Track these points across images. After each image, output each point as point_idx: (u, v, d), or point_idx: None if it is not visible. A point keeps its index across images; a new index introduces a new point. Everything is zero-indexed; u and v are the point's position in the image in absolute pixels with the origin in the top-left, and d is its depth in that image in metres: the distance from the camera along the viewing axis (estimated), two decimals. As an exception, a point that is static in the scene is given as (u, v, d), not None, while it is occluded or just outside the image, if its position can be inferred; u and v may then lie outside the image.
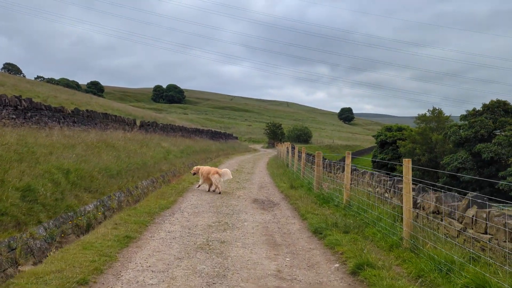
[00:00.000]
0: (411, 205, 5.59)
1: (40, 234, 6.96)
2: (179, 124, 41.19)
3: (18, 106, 13.20)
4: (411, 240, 5.43)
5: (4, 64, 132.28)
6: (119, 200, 10.71)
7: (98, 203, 9.55)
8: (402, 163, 5.61)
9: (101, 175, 10.99)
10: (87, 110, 17.97)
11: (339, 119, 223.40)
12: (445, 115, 61.45)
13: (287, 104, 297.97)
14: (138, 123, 27.17)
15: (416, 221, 5.94)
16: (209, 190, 12.16)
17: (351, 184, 8.93)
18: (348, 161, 8.54)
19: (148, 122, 27.37)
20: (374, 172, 8.63)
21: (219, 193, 11.73)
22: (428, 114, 62.42)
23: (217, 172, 11.94)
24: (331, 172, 12.32)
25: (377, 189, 8.14)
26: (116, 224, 7.08)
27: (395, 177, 7.39)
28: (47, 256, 5.68)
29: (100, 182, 10.52)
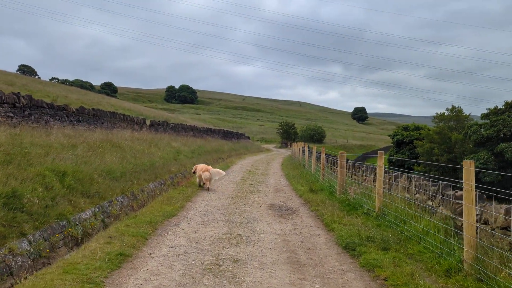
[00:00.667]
0: (474, 219, 4.41)
1: (22, 249, 5.94)
2: (191, 124, 40.24)
3: (16, 104, 12.31)
4: (477, 265, 4.25)
5: (19, 66, 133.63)
6: (122, 205, 9.69)
7: (97, 209, 8.53)
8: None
9: (102, 178, 10.00)
10: (93, 109, 17.06)
11: (352, 119, 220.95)
12: (465, 113, 59.32)
13: (299, 103, 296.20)
14: (148, 122, 26.29)
15: (477, 238, 4.74)
16: (200, 186, 12.75)
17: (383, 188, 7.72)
18: (381, 162, 7.34)
19: (159, 121, 26.46)
20: (412, 175, 7.42)
21: (207, 189, 12.26)
22: (446, 113, 60.32)
23: (208, 170, 12.57)
24: (355, 175, 11.11)
25: (416, 195, 6.94)
26: (110, 237, 6.02)
27: (441, 181, 6.19)
28: (18, 283, 4.62)
29: (101, 186, 9.51)
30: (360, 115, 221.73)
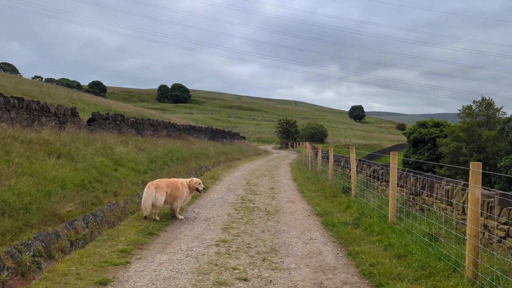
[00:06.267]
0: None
1: None
2: (176, 123, 30.69)
3: None
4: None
5: (0, 64, 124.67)
6: None
7: None
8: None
9: None
10: None
11: (349, 118, 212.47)
12: (496, 107, 50.29)
13: (295, 103, 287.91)
14: (87, 115, 17.31)
15: None
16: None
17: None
18: None
19: (107, 115, 17.47)
20: None
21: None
22: (474, 107, 51.45)
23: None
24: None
25: None
26: None
27: None
28: None
29: None
30: (357, 113, 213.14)
